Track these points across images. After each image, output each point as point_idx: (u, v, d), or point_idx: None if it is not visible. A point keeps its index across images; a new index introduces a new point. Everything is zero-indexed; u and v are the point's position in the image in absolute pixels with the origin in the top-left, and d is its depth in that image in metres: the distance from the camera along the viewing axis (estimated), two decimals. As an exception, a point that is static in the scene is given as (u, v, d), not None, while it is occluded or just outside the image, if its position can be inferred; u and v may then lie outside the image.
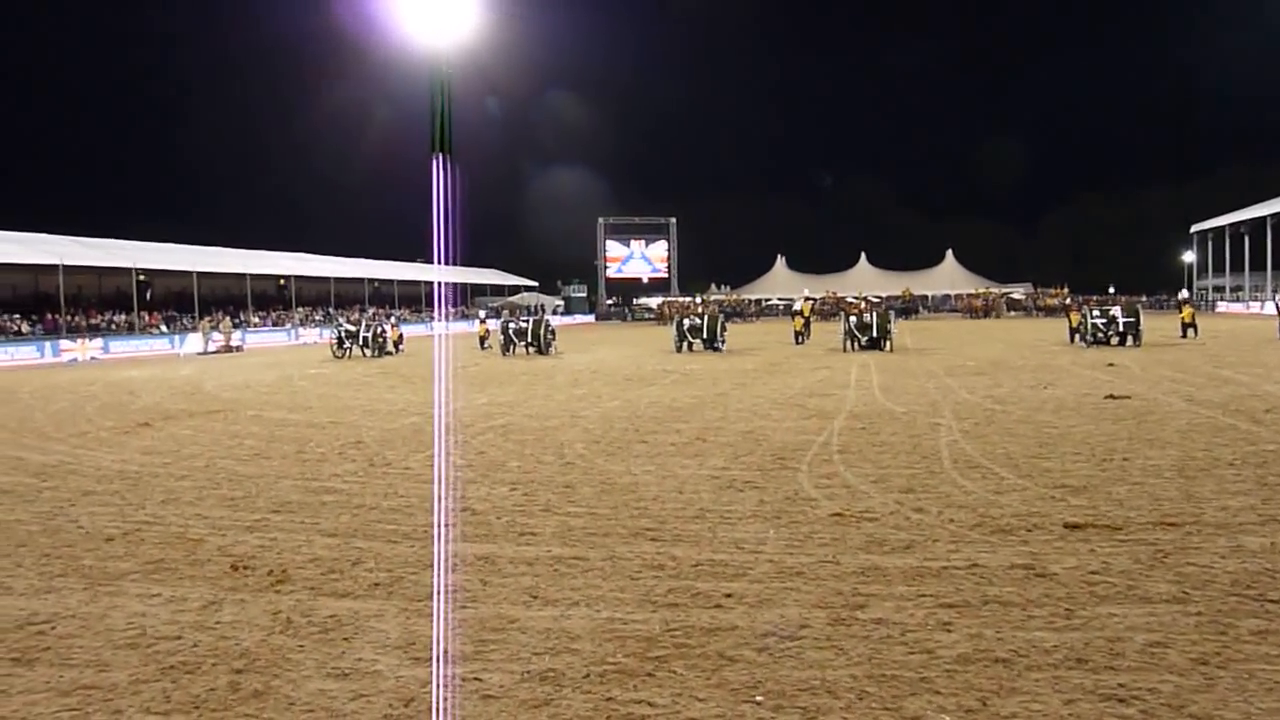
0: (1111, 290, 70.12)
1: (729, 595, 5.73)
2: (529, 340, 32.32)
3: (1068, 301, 55.45)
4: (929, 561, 6.30)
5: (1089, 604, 5.39)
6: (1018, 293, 75.75)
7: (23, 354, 38.68)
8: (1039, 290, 75.31)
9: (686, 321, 32.20)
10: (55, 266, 42.43)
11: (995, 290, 76.31)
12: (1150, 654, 4.66)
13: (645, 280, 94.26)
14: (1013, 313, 70.16)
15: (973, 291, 76.89)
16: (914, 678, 4.47)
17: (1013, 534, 6.95)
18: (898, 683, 4.42)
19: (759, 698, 4.31)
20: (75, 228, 48.91)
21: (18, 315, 42.93)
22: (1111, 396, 14.91)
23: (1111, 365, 20.95)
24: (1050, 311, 64.41)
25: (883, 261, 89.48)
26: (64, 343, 40.59)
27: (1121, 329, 27.83)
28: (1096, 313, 28.80)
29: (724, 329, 31.77)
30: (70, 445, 13.03)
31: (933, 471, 9.36)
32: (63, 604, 5.98)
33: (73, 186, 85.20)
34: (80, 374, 29.82)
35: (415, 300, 72.82)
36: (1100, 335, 28.04)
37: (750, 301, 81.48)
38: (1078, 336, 29.51)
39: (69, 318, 44.13)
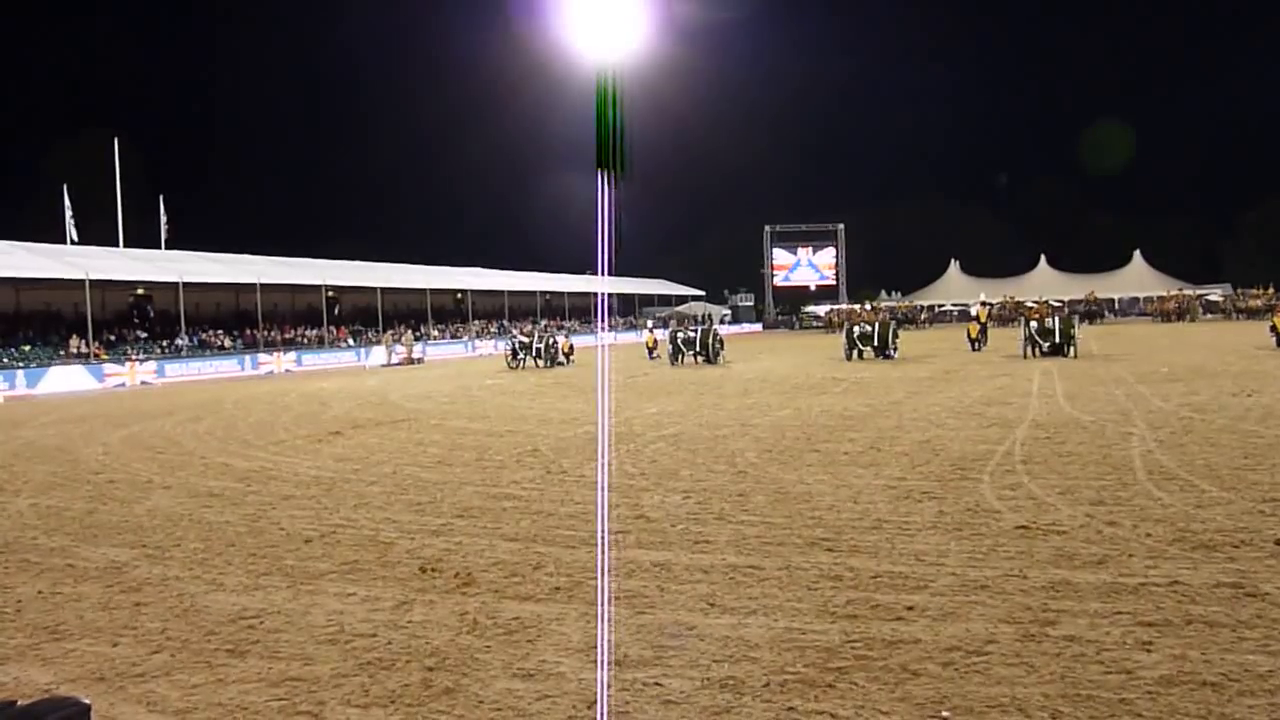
0: (1323, 289, 64.69)
1: (910, 608, 5.60)
2: (697, 350, 32.44)
3: (1274, 303, 51.56)
4: (1124, 578, 5.99)
5: (1308, 627, 5.02)
6: (1214, 294, 70.88)
7: (225, 367, 41.57)
8: (1239, 291, 70.26)
9: (857, 329, 31.69)
10: (254, 285, 45.38)
11: (1189, 292, 71.68)
12: (1381, 682, 4.30)
13: (813, 288, 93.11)
14: (1209, 316, 65.83)
15: (1164, 294, 72.43)
16: (1112, 699, 4.26)
17: (1217, 550, 6.53)
18: (1095, 703, 4.22)
19: (945, 713, 4.21)
20: (271, 247, 52.35)
21: (221, 331, 46.13)
22: (1326, 404, 13.80)
23: (1325, 370, 19.39)
24: (1252, 314, 60.09)
25: (1064, 264, 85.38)
26: (261, 356, 43.39)
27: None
28: (1306, 314, 26.73)
29: (896, 335, 31.12)
30: (270, 452, 13.89)
31: (1125, 483, 8.89)
32: (269, 600, 6.38)
33: (268, 207, 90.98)
34: (276, 385, 31.76)
35: (585, 312, 74.23)
36: (1311, 338, 26.00)
37: (922, 307, 79.32)
38: (1285, 340, 27.47)
39: (266, 333, 47.08)
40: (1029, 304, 51.92)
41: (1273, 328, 29.26)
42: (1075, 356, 27.10)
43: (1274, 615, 5.20)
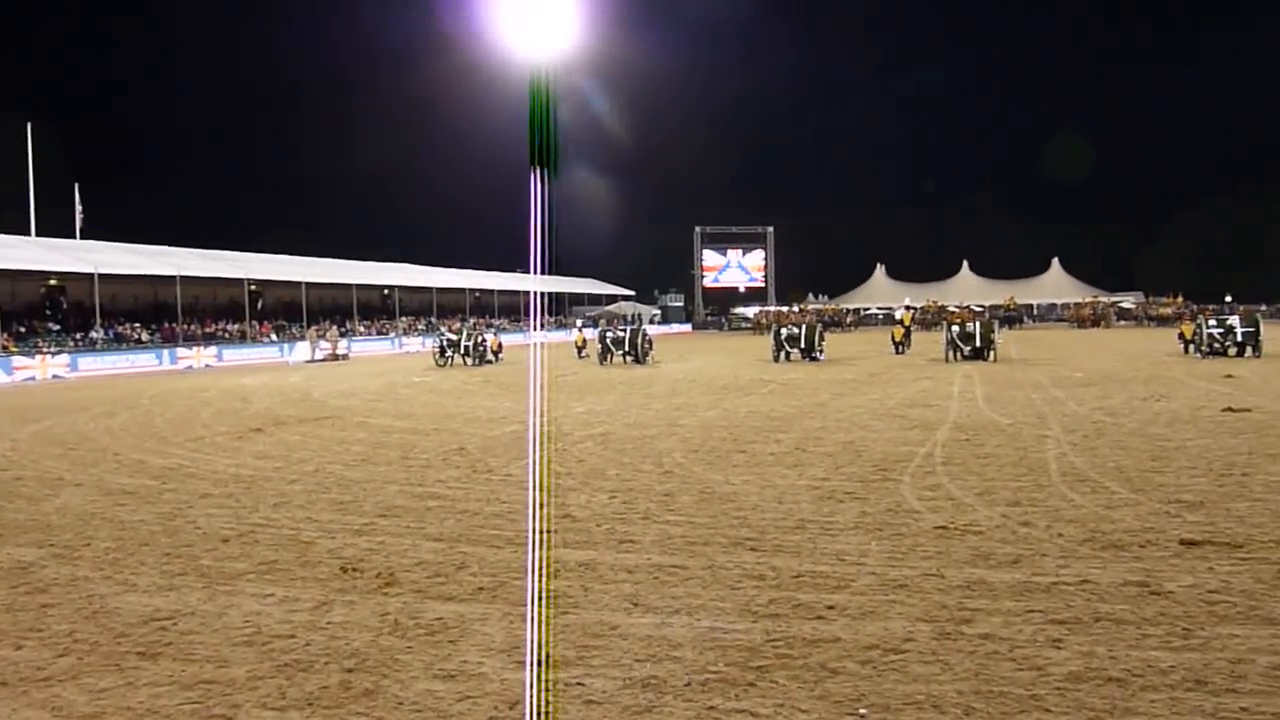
0: (1229, 299, 67.17)
1: (831, 607, 5.69)
2: (626, 349, 32.49)
3: (1182, 311, 53.38)
4: (1037, 577, 6.15)
5: (1208, 624, 5.21)
6: (1127, 302, 73.20)
7: (143, 361, 40.43)
8: (1151, 299, 72.69)
9: (784, 331, 32.07)
10: (173, 277, 44.26)
11: (1104, 299, 73.85)
12: (1275, 677, 4.48)
13: (742, 290, 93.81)
14: (1122, 322, 67.90)
15: (1080, 301, 74.51)
16: (1023, 695, 4.37)
17: (1125, 550, 6.74)
18: (1006, 700, 4.33)
19: (862, 710, 4.28)
20: (192, 239, 51.12)
21: (138, 324, 44.90)
22: (1230, 409, 14.31)
23: (1230, 377, 20.11)
24: (1163, 321, 62.13)
25: (985, 270, 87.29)
26: (181, 350, 42.29)
27: (1240, 339, 26.73)
28: (1213, 322, 27.77)
29: (822, 338, 31.53)
30: (188, 449, 13.56)
31: (1040, 485, 9.13)
32: (183, 601, 6.23)
33: (189, 200, 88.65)
34: (196, 381, 31.01)
35: (514, 310, 73.84)
36: (1217, 346, 27.00)
37: (848, 311, 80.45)
38: (1192, 347, 28.50)
39: (185, 326, 45.96)
40: (951, 309, 53.01)
41: (1181, 335, 30.44)
42: (995, 360, 27.76)
43: (1176, 613, 5.39)
